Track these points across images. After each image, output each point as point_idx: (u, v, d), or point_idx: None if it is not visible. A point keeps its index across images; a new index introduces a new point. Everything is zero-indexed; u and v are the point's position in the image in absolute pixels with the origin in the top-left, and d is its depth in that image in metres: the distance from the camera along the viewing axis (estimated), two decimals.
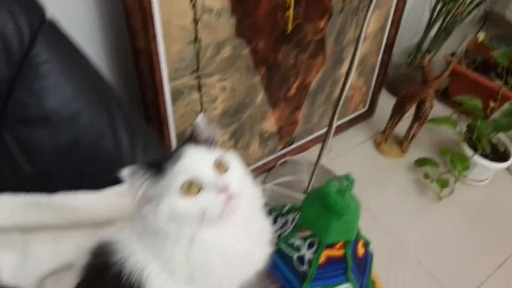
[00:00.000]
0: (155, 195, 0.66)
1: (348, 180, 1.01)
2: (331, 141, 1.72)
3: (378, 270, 1.59)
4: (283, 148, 1.98)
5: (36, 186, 0.95)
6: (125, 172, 0.64)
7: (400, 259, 1.74)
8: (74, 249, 0.76)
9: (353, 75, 1.42)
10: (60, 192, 0.96)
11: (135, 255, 0.70)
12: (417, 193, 1.97)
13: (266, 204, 0.81)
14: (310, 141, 2.06)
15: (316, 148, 2.02)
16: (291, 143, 2.00)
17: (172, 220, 0.65)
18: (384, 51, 1.97)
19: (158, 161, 0.68)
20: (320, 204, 1.03)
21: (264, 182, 1.92)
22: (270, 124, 1.80)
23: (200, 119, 0.73)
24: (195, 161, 0.67)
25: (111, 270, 0.69)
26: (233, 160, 0.72)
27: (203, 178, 0.65)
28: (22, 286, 0.92)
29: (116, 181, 1.03)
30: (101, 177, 1.01)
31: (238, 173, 0.70)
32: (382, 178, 2.02)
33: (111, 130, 1.00)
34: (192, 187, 0.65)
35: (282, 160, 2.00)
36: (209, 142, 0.72)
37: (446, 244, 1.80)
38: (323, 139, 1.81)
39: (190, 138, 0.72)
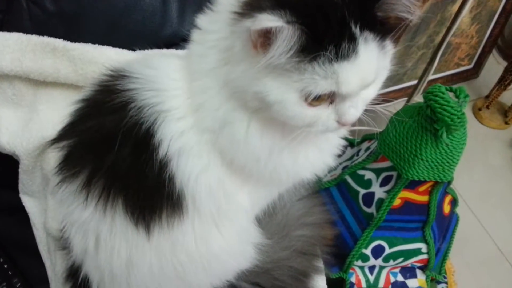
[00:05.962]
0: (282, 73, 0.44)
1: (461, 94, 0.72)
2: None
3: (453, 255, 1.31)
4: None
5: (56, 31, 0.77)
6: (275, 22, 0.39)
7: (481, 248, 1.46)
8: None
9: (465, 15, 1.10)
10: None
11: (159, 84, 0.50)
12: None
13: None
14: (397, 91, 1.76)
15: (402, 102, 1.73)
16: None
17: (268, 109, 0.46)
18: None
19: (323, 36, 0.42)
20: (415, 120, 0.75)
21: None
22: None
23: None
24: (362, 71, 0.45)
25: (118, 98, 0.50)
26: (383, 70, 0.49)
27: (348, 96, 0.46)
28: (19, 152, 0.78)
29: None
30: (135, 37, 0.81)
31: (371, 95, 0.51)
32: (474, 148, 1.71)
33: None
34: (322, 98, 0.45)
35: None
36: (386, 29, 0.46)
37: None
38: (412, 90, 1.55)
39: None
